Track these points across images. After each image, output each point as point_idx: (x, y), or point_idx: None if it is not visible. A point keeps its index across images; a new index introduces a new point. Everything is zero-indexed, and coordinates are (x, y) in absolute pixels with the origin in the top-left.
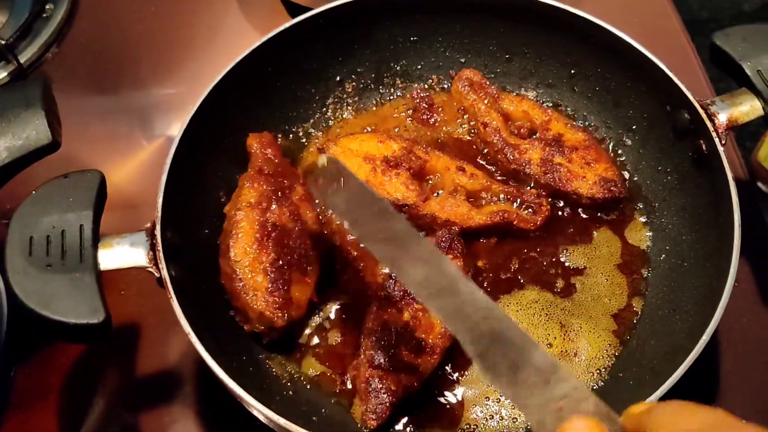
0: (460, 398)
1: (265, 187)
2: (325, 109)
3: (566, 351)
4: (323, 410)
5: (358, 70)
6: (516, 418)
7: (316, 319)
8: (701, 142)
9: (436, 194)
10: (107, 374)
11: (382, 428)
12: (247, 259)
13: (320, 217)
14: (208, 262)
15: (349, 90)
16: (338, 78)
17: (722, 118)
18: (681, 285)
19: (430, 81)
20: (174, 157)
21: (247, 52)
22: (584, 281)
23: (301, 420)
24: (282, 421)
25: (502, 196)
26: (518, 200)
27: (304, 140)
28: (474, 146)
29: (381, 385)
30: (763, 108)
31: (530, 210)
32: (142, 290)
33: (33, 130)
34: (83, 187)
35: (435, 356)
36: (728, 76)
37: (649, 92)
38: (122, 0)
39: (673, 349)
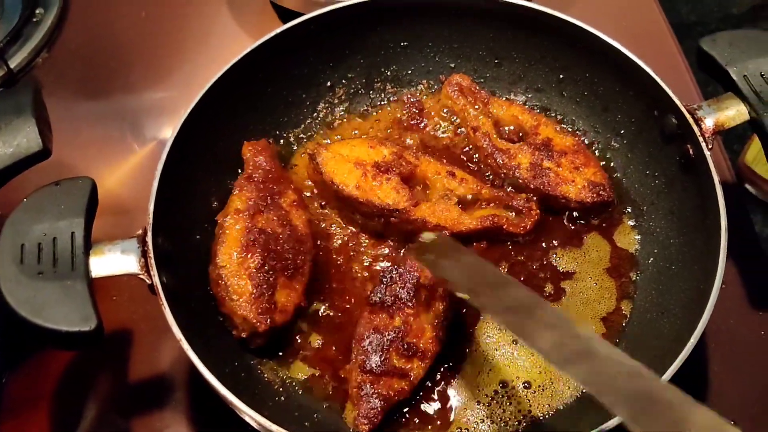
0: (451, 402)
1: (254, 193)
2: (316, 114)
3: None
4: (315, 415)
5: (349, 75)
6: (506, 422)
7: (306, 324)
8: (688, 146)
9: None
10: (99, 380)
11: None
12: (232, 264)
13: (314, 221)
14: (200, 268)
15: (340, 95)
16: (329, 83)
17: (709, 123)
18: (669, 288)
19: (420, 86)
20: (165, 163)
21: (238, 57)
22: (573, 285)
23: (293, 426)
24: (274, 428)
25: (491, 200)
26: (508, 205)
27: (294, 146)
28: (464, 151)
29: (373, 390)
30: (749, 112)
31: (520, 214)
32: (133, 296)
33: (24, 138)
34: (74, 195)
35: (426, 361)
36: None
37: (637, 97)
38: (113, 4)
39: (662, 352)
